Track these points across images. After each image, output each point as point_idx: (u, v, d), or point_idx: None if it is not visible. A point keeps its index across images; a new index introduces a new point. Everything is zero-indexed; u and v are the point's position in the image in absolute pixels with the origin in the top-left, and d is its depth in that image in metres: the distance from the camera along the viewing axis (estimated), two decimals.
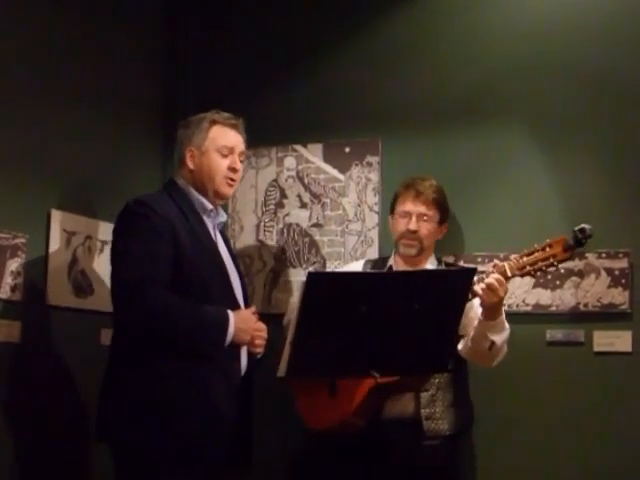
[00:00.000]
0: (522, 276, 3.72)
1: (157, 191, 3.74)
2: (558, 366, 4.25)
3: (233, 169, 3.71)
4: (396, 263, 4.10)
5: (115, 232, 3.60)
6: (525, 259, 3.67)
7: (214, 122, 3.73)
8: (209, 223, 3.70)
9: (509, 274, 3.66)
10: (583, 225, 3.62)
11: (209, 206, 3.70)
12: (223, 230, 3.88)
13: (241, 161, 3.77)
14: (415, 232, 3.98)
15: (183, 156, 3.74)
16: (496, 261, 3.76)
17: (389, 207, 4.19)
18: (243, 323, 3.53)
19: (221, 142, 3.70)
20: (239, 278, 3.76)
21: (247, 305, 3.72)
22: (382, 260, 4.23)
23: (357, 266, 4.23)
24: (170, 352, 3.43)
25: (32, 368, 3.97)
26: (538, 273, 3.71)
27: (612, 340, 4.18)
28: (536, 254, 3.66)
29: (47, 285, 4.06)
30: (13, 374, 3.89)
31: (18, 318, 3.90)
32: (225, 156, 3.70)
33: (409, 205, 4.02)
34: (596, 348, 4.20)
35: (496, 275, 3.60)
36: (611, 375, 4.18)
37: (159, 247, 3.46)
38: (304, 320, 3.13)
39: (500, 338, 3.74)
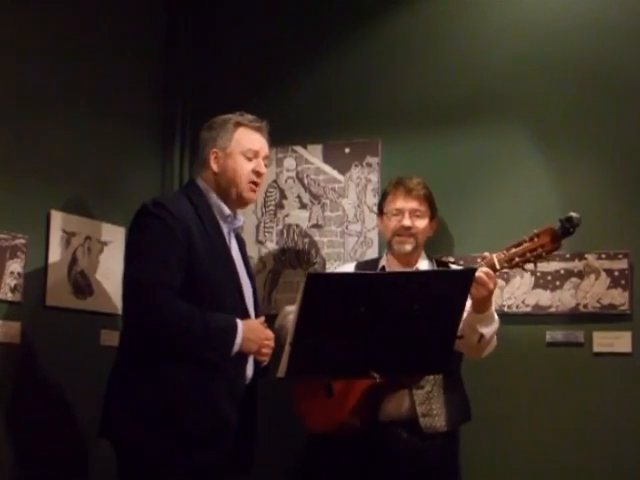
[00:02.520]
0: (511, 268, 3.68)
1: (176, 192, 3.73)
2: (558, 367, 4.25)
3: (258, 172, 3.66)
4: (389, 263, 4.08)
5: (131, 232, 3.58)
6: (513, 250, 3.62)
7: (239, 124, 3.69)
8: (225, 228, 3.66)
9: (498, 267, 3.62)
10: (570, 214, 3.56)
11: (227, 211, 3.65)
12: (239, 234, 3.85)
13: (265, 165, 3.73)
14: (409, 228, 3.97)
15: (207, 158, 3.68)
16: (485, 253, 3.73)
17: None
18: (251, 333, 3.50)
19: (247, 145, 3.66)
20: (251, 285, 3.73)
21: (257, 312, 3.70)
22: (373, 262, 4.21)
23: (348, 269, 4.21)
24: (177, 356, 3.42)
25: (32, 369, 3.97)
26: (527, 264, 3.65)
27: (612, 341, 4.18)
28: (524, 245, 3.61)
29: (47, 286, 4.06)
30: (13, 375, 3.89)
31: (18, 319, 3.90)
32: (250, 159, 3.66)
33: (400, 202, 4.00)
34: (596, 349, 4.21)
35: (485, 269, 3.57)
36: (611, 376, 4.18)
37: (173, 250, 3.43)
38: (304, 321, 3.12)
39: (489, 330, 3.73)
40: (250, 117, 3.73)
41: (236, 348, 3.45)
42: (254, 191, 3.68)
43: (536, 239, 3.60)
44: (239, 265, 3.68)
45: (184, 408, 3.40)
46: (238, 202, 3.69)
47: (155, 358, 3.43)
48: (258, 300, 3.82)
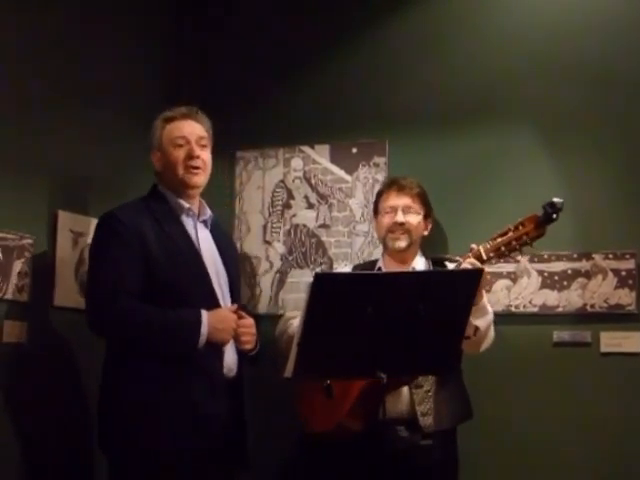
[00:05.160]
0: (498, 257, 3.72)
1: (135, 199, 3.77)
2: (565, 367, 4.25)
3: (190, 156, 3.69)
4: (385, 263, 4.08)
5: (90, 247, 3.71)
6: (499, 240, 3.67)
7: (165, 120, 3.76)
8: (190, 222, 3.71)
9: (484, 257, 3.66)
10: (553, 199, 3.60)
11: (185, 205, 3.71)
12: (217, 226, 3.87)
13: (204, 145, 3.74)
14: (403, 224, 3.97)
15: (152, 163, 3.77)
16: (472, 245, 3.74)
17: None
18: (220, 323, 3.53)
19: (173, 134, 3.72)
20: (228, 276, 3.75)
21: (236, 302, 3.72)
22: (370, 263, 4.21)
23: (346, 270, 4.23)
24: (149, 356, 3.47)
25: (39, 369, 3.97)
26: (513, 253, 3.70)
27: (619, 341, 4.17)
28: (509, 234, 3.66)
29: (54, 286, 4.06)
30: (19, 374, 3.89)
31: (25, 319, 3.90)
32: (180, 146, 3.70)
33: (393, 199, 4.02)
34: (603, 349, 4.20)
35: (472, 260, 3.61)
36: (618, 376, 4.17)
37: (126, 259, 3.51)
38: (311, 321, 3.12)
39: (483, 323, 3.74)
40: (177, 109, 3.79)
41: (203, 339, 3.48)
42: (195, 174, 3.70)
43: (521, 227, 3.66)
44: (210, 257, 3.71)
45: (160, 408, 3.44)
46: (185, 190, 3.72)
47: (130, 362, 3.51)
48: (238, 290, 3.85)
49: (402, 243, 3.99)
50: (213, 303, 3.60)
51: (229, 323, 3.56)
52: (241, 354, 3.66)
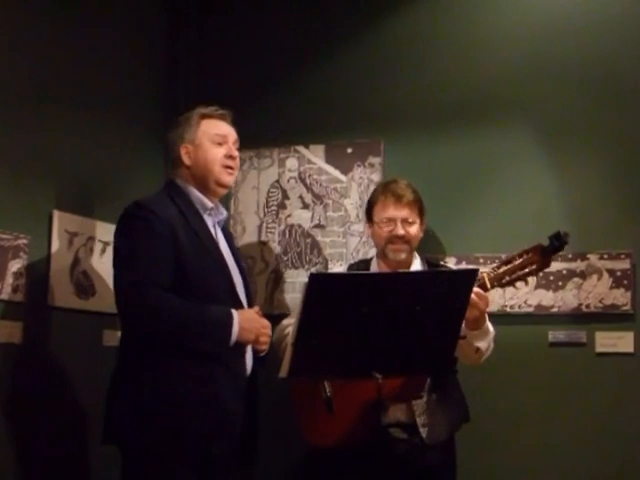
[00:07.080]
0: (502, 287, 3.70)
1: (157, 192, 3.73)
2: (560, 367, 4.25)
3: (230, 156, 3.71)
4: (380, 268, 4.01)
5: (115, 236, 3.60)
6: (503, 269, 3.64)
7: (203, 116, 3.75)
8: (209, 221, 3.69)
9: (489, 286, 3.63)
10: (558, 231, 3.59)
11: (209, 204, 3.69)
12: (225, 227, 3.87)
13: (237, 149, 3.77)
14: (403, 237, 3.92)
15: (178, 155, 3.72)
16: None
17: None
18: (247, 323, 3.53)
19: (213, 131, 3.72)
20: (241, 276, 3.75)
21: (250, 302, 3.73)
22: (365, 262, 4.16)
23: (338, 270, 4.20)
24: (177, 352, 3.43)
25: (34, 369, 3.97)
26: (518, 282, 3.67)
27: (614, 341, 4.18)
28: (514, 263, 3.63)
29: (49, 286, 4.06)
30: (14, 375, 3.89)
31: (20, 319, 3.90)
32: (220, 144, 3.70)
33: (391, 211, 3.93)
34: (598, 349, 4.21)
35: (476, 289, 3.52)
36: (613, 376, 4.18)
37: (159, 249, 3.46)
38: (306, 321, 3.12)
39: (485, 344, 3.74)
40: (212, 107, 3.78)
41: (233, 338, 3.48)
42: (230, 174, 3.72)
43: (525, 256, 3.63)
44: (228, 257, 3.70)
45: (188, 403, 3.41)
46: (217, 188, 3.71)
47: (155, 356, 3.44)
48: (251, 292, 3.85)
49: (403, 255, 3.94)
50: (237, 303, 3.60)
51: (254, 324, 3.56)
52: (254, 353, 3.65)
